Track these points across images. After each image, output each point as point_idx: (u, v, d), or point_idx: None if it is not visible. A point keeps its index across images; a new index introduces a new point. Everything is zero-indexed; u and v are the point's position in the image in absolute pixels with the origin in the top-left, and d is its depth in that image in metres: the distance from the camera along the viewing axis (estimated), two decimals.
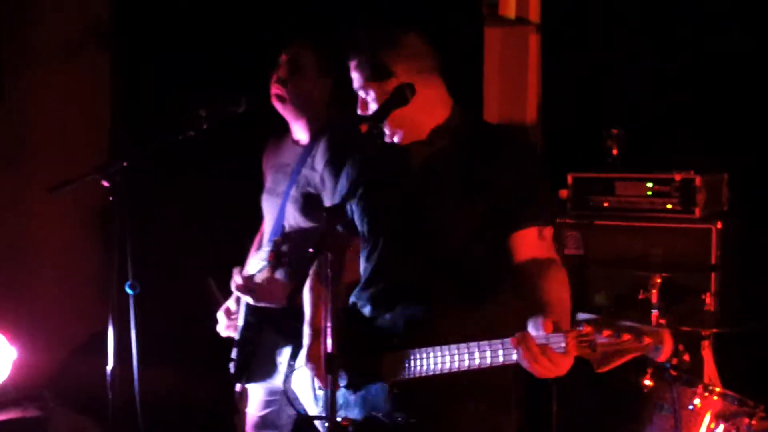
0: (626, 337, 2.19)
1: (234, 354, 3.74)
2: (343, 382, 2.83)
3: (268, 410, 3.87)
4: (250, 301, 3.62)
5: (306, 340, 3.04)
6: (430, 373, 2.63)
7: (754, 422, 3.61)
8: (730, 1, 4.80)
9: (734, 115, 4.77)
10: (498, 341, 2.48)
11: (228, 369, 3.76)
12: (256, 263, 3.70)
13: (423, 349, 2.66)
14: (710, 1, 4.85)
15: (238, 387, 3.85)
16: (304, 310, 3.14)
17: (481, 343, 2.52)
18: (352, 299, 2.97)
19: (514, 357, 2.42)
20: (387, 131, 2.82)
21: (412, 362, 2.68)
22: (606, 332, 2.21)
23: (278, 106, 3.75)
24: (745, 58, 4.79)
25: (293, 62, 3.72)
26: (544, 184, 2.88)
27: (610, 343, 2.21)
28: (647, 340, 2.17)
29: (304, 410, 2.99)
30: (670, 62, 4.95)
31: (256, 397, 3.91)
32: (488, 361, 2.50)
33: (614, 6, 5.13)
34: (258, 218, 3.97)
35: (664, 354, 2.18)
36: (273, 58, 3.83)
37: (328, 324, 2.50)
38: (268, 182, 3.91)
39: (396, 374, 2.71)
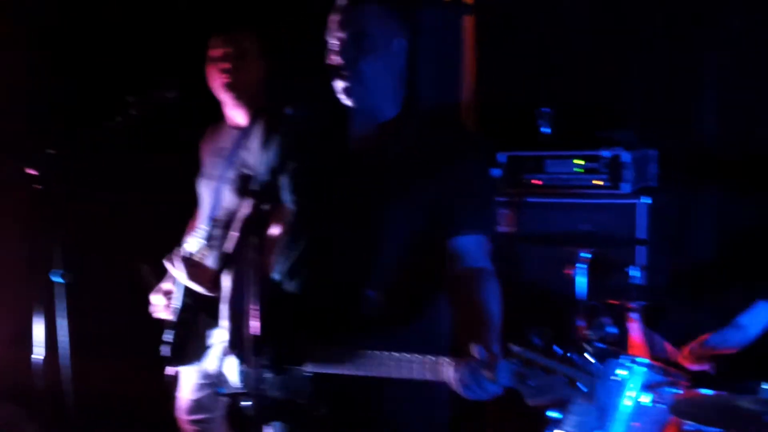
0: (557, 375, 2.12)
1: (168, 336, 3.73)
2: (266, 363, 2.78)
3: (201, 394, 3.88)
4: (183, 279, 3.63)
5: (226, 321, 2.95)
6: (354, 374, 2.59)
7: (678, 391, 3.70)
8: None
9: (662, 92, 4.86)
10: (431, 358, 2.42)
11: (160, 353, 3.75)
12: (194, 242, 3.74)
13: (348, 350, 2.60)
14: None
15: (171, 371, 3.87)
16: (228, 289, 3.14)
17: (414, 356, 2.46)
18: (276, 276, 2.89)
19: (445, 376, 2.37)
20: (343, 84, 2.73)
21: (336, 359, 2.62)
22: (539, 368, 2.15)
23: (224, 96, 3.79)
24: (674, 34, 4.88)
25: (236, 50, 3.76)
26: (489, 191, 2.84)
27: (543, 382, 2.15)
28: (577, 386, 2.11)
29: (205, 397, 2.95)
30: (601, 41, 5.03)
31: (189, 380, 3.92)
32: (416, 375, 2.44)
33: None
34: (193, 205, 3.99)
35: (593, 399, 2.13)
36: (205, 43, 3.85)
37: (252, 306, 2.49)
38: (206, 167, 3.94)
39: (320, 365, 2.67)
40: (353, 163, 2.80)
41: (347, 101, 2.76)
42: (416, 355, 2.46)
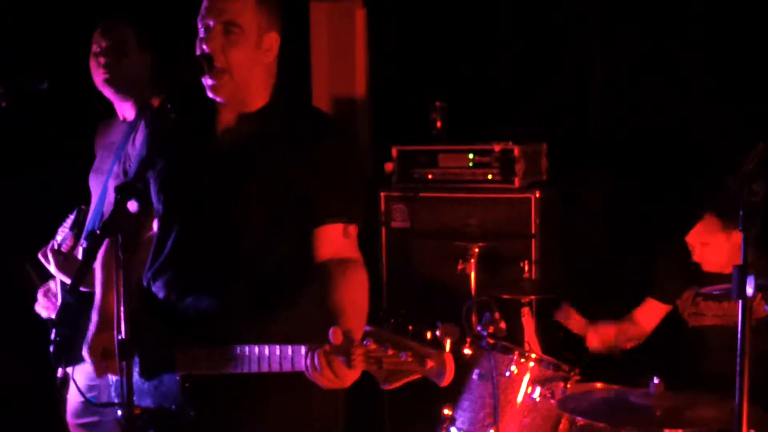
0: (410, 358, 2.13)
1: (53, 335, 3.63)
2: (135, 369, 2.72)
3: (90, 395, 3.78)
4: (54, 270, 3.54)
5: (92, 327, 2.86)
6: (218, 373, 2.56)
7: (569, 385, 3.70)
8: None
9: (552, 86, 4.89)
10: (287, 347, 2.41)
11: (49, 352, 3.63)
12: (62, 231, 3.67)
13: (212, 349, 2.57)
14: None
15: (59, 372, 3.76)
16: (95, 293, 3.05)
17: (271, 347, 2.45)
18: (144, 280, 2.84)
19: (301, 365, 2.37)
20: (211, 81, 2.66)
21: (201, 359, 2.59)
22: (391, 351, 2.15)
23: (106, 91, 3.70)
24: (564, 31, 4.91)
25: (116, 44, 3.67)
26: (355, 180, 2.76)
27: (395, 362, 2.15)
28: (430, 364, 2.12)
29: (94, 399, 2.89)
30: (492, 35, 5.04)
31: (78, 381, 3.82)
32: (276, 366, 2.43)
33: None
34: (83, 199, 3.89)
35: (446, 379, 2.14)
36: (85, 34, 3.73)
37: (121, 308, 2.41)
38: (96, 161, 3.87)
39: (187, 367, 2.62)
40: (218, 156, 2.75)
41: (213, 92, 2.70)
42: (276, 347, 2.44)
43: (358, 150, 3.26)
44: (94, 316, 2.87)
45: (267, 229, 2.66)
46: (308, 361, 2.33)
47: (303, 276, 2.67)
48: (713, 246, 3.93)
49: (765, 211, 2.01)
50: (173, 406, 2.66)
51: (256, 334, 2.53)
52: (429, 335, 2.16)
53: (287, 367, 2.41)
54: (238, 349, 2.52)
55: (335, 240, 2.63)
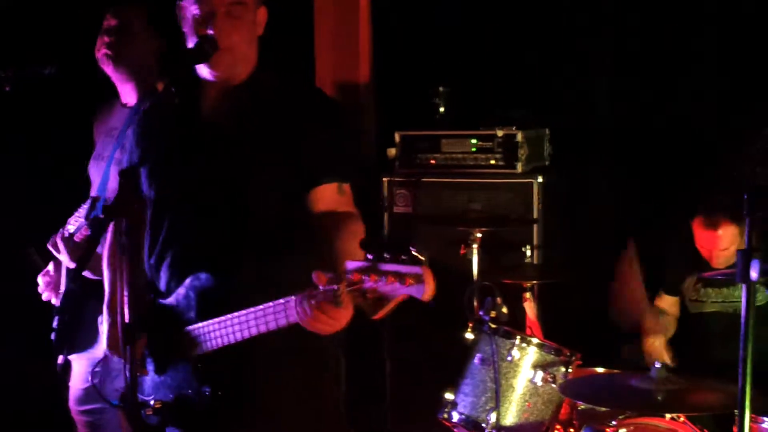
0: (391, 280, 2.17)
1: (55, 323, 3.61)
2: (150, 367, 2.77)
3: (93, 382, 3.78)
4: (65, 260, 3.52)
5: (104, 324, 2.90)
6: (223, 344, 2.59)
7: (570, 370, 3.71)
8: None
9: (555, 72, 4.88)
10: (280, 302, 2.44)
11: (50, 340, 3.62)
12: (74, 221, 3.62)
13: (211, 322, 2.61)
14: None
15: (60, 359, 3.75)
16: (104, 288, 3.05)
17: (265, 306, 2.48)
18: (145, 265, 2.85)
19: (294, 316, 2.41)
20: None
21: (204, 335, 2.63)
22: (373, 277, 2.19)
23: (107, 68, 3.68)
24: (570, 18, 4.91)
25: (122, 24, 3.65)
26: (346, 141, 2.84)
27: (378, 288, 2.20)
28: (409, 281, 2.14)
29: (115, 400, 2.89)
30: (497, 22, 5.03)
31: (79, 369, 3.81)
32: (274, 324, 2.46)
33: None
34: (83, 186, 3.87)
35: (427, 292, 2.14)
36: (95, 19, 3.73)
37: (126, 296, 2.41)
38: (97, 147, 3.84)
39: (195, 349, 2.65)
40: (208, 134, 2.77)
41: (213, 68, 2.71)
42: (269, 303, 2.47)
43: (346, 113, 3.28)
44: (105, 312, 2.88)
45: (267, 200, 2.69)
46: (299, 309, 2.37)
47: (300, 237, 2.70)
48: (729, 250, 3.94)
49: None
50: (190, 392, 2.68)
51: (255, 300, 2.54)
52: (404, 257, 2.18)
53: (283, 321, 2.44)
54: (237, 315, 2.55)
55: (331, 198, 2.70)
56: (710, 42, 4.60)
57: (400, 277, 2.15)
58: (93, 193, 3.79)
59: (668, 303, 4.29)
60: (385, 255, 2.19)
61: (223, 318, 2.59)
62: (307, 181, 2.69)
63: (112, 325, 2.87)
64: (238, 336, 2.56)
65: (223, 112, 2.77)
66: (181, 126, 2.81)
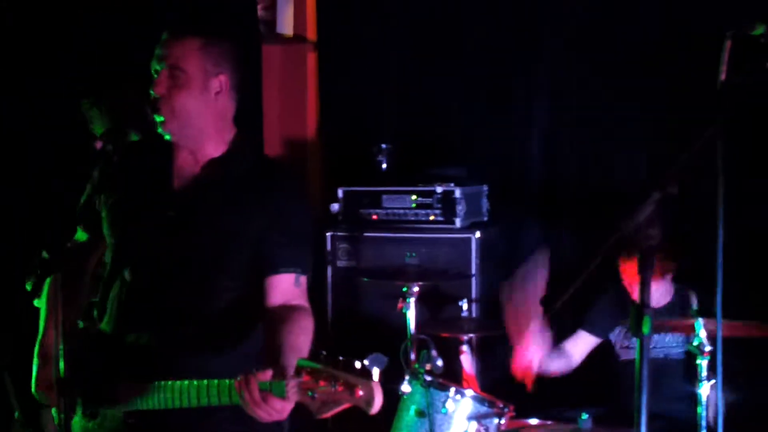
0: (340, 388, 2.18)
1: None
2: (78, 410, 2.77)
3: None
4: None
5: (34, 366, 2.92)
6: (158, 408, 2.60)
7: (503, 422, 3.79)
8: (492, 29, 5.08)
9: (492, 130, 5.03)
10: (227, 382, 2.45)
11: None
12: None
13: (154, 384, 2.60)
14: (470, 26, 5.11)
15: None
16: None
17: (211, 382, 2.49)
18: (89, 315, 2.86)
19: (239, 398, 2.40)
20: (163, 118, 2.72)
21: (142, 395, 2.62)
22: (322, 382, 2.21)
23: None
24: (501, 76, 5.06)
25: None
26: (308, 231, 2.83)
27: (327, 392, 2.21)
28: (359, 393, 2.16)
29: None
30: (437, 82, 5.18)
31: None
32: (215, 400, 2.48)
33: (386, 26, 5.32)
34: None
35: (375, 407, 2.15)
36: None
37: (60, 347, 2.46)
38: None
39: (130, 404, 2.66)
40: (172, 198, 2.78)
41: (162, 129, 2.75)
42: (215, 381, 2.48)
43: (309, 199, 3.32)
44: (36, 356, 2.92)
45: (218, 274, 2.71)
46: (243, 395, 2.36)
47: (251, 319, 2.73)
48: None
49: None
50: None
51: (199, 372, 2.56)
52: (358, 365, 2.22)
53: (225, 401, 2.45)
54: (179, 384, 2.55)
55: (286, 289, 2.69)
56: (640, 101, 4.79)
57: (351, 387, 2.17)
58: None
59: (582, 344, 4.31)
60: (340, 358, 2.21)
61: (162, 384, 2.59)
62: (266, 267, 2.70)
63: (42, 368, 2.89)
64: (177, 403, 2.56)
65: (190, 182, 2.78)
66: (147, 184, 2.82)
